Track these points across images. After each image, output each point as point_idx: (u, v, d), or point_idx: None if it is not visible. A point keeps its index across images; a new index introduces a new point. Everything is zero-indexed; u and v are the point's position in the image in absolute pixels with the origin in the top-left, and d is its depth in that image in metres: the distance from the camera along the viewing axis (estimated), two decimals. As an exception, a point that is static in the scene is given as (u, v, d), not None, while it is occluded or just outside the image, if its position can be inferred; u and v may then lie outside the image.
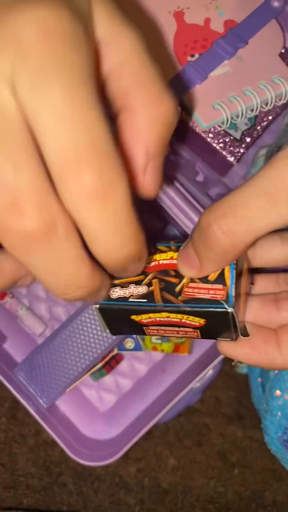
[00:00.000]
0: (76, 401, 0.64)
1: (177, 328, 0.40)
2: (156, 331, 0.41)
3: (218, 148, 0.58)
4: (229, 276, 0.36)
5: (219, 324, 0.38)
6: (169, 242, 0.39)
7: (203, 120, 0.57)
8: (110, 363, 0.63)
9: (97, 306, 0.38)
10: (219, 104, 0.57)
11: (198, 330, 0.39)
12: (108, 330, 0.41)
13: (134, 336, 0.63)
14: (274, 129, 0.65)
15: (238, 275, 0.36)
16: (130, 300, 0.38)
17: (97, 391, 0.65)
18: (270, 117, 0.59)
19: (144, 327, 0.40)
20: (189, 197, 0.60)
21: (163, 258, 0.38)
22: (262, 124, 0.59)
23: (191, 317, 0.38)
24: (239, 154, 0.58)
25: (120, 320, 0.40)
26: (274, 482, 0.70)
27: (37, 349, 0.63)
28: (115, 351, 0.63)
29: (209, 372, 0.62)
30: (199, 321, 0.38)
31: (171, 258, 0.37)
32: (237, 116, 0.57)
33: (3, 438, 0.69)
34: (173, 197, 0.60)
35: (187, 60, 0.58)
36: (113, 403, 0.65)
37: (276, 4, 0.59)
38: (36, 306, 0.67)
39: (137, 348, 0.63)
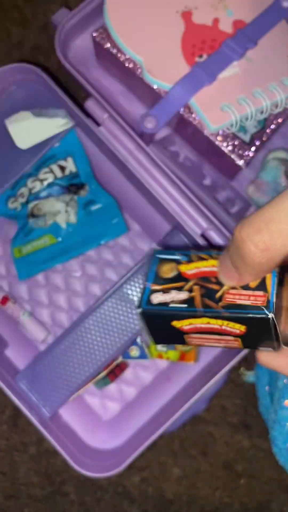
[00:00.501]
0: (79, 409, 0.64)
1: (218, 336, 0.40)
2: (197, 339, 0.41)
3: (226, 151, 0.58)
4: (270, 283, 0.37)
5: (260, 331, 0.39)
6: (210, 250, 0.41)
7: (211, 122, 0.56)
8: (115, 371, 0.63)
9: (139, 310, 0.39)
10: (228, 106, 0.56)
11: (240, 339, 0.39)
12: (151, 338, 0.42)
13: (139, 343, 0.62)
14: (284, 131, 0.65)
15: (280, 283, 0.37)
16: (171, 305, 0.39)
17: (101, 400, 0.64)
18: (280, 120, 0.58)
19: (184, 335, 0.41)
20: (197, 201, 0.59)
21: (205, 265, 0.39)
22: (271, 126, 0.58)
23: (231, 324, 0.39)
24: (248, 157, 0.58)
25: (161, 326, 0.41)
26: (280, 493, 0.69)
27: (40, 356, 0.62)
28: (120, 359, 0.63)
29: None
30: (239, 328, 0.39)
31: (212, 265, 0.38)
32: (246, 119, 0.57)
33: (4, 446, 0.68)
34: (180, 203, 0.60)
35: (195, 60, 0.58)
36: (117, 412, 0.64)
37: (286, 4, 0.59)
38: (39, 312, 0.67)
39: (143, 356, 0.63)
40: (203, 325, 0.40)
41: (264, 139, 0.58)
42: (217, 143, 0.58)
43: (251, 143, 0.58)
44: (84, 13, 0.62)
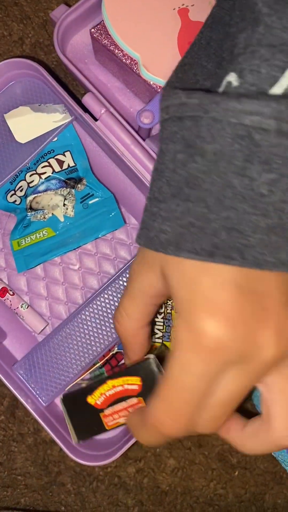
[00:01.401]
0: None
1: (125, 404, 0.50)
2: (111, 416, 0.50)
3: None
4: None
5: (150, 379, 0.48)
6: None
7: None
8: (110, 362, 0.64)
9: (61, 397, 0.51)
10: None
11: (142, 398, 0.48)
12: (74, 432, 0.52)
13: None
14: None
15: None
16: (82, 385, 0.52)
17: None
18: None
19: (100, 414, 0.50)
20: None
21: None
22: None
23: (129, 379, 0.49)
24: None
25: (80, 407, 0.51)
26: (274, 485, 0.70)
27: (37, 346, 0.63)
28: (116, 349, 0.64)
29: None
30: (136, 382, 0.49)
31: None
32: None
33: (2, 437, 0.69)
34: None
35: (191, 57, 0.59)
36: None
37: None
38: (37, 303, 0.68)
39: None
40: (110, 392, 0.50)
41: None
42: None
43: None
44: (82, 9, 0.64)
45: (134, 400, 0.50)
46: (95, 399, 0.51)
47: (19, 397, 0.59)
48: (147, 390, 0.48)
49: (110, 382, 0.50)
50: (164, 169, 0.35)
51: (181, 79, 0.40)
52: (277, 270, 0.33)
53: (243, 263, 0.32)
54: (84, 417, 0.53)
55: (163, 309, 0.63)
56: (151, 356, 0.49)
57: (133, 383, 0.50)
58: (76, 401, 0.53)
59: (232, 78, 0.33)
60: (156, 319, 0.63)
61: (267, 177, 0.31)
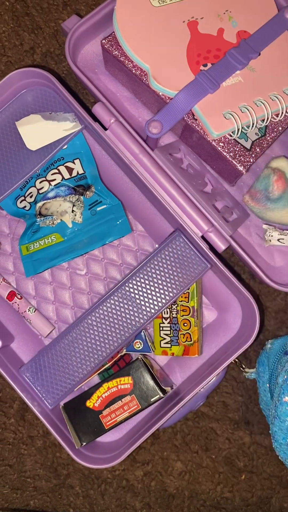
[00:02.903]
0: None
1: (120, 403, 0.61)
2: (109, 416, 0.61)
3: (228, 157, 0.61)
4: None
5: (140, 378, 0.61)
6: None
7: (214, 128, 0.60)
8: (118, 364, 0.66)
9: (62, 405, 0.62)
10: (230, 114, 0.60)
11: (134, 396, 0.61)
12: (77, 436, 0.62)
13: (143, 337, 0.66)
14: (284, 139, 0.68)
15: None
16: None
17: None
18: (280, 128, 0.62)
19: (100, 416, 0.61)
20: (198, 205, 0.63)
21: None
22: (272, 134, 0.62)
23: (122, 379, 0.61)
24: (249, 163, 0.62)
25: (80, 412, 0.62)
26: (281, 489, 0.72)
27: (44, 350, 0.65)
28: (124, 351, 0.66)
29: (213, 378, 0.64)
30: (128, 381, 0.61)
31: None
32: (248, 126, 0.60)
33: (11, 439, 0.72)
34: (183, 205, 0.63)
35: (200, 69, 0.61)
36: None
37: (288, 15, 0.62)
38: (44, 307, 0.70)
39: (146, 349, 0.66)
40: (106, 393, 0.61)
41: (264, 146, 0.62)
42: (219, 149, 0.61)
43: (252, 150, 0.62)
44: (94, 20, 0.66)
45: (128, 398, 0.61)
46: (93, 402, 0.62)
47: (25, 399, 0.61)
48: (137, 388, 0.61)
49: (105, 385, 0.62)
50: None
51: None
52: None
53: None
54: (85, 421, 0.62)
55: (168, 314, 0.66)
56: (139, 357, 0.62)
57: (125, 382, 0.61)
58: (76, 407, 0.62)
59: None
60: (163, 324, 0.66)
61: None
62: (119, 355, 0.66)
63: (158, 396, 0.61)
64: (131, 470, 0.72)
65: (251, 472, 0.72)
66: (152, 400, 0.61)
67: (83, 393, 0.63)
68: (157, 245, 0.70)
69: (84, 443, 0.62)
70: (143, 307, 0.64)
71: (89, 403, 0.62)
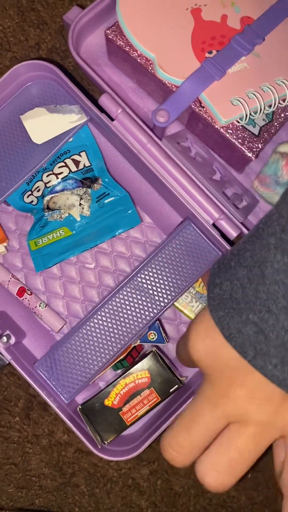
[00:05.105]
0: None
1: (140, 397, 0.62)
2: (130, 411, 0.62)
3: (237, 143, 0.61)
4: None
5: (157, 370, 0.62)
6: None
7: (222, 115, 0.60)
8: (132, 354, 0.66)
9: (79, 407, 0.62)
10: (238, 100, 0.60)
11: (153, 389, 0.61)
12: (98, 435, 0.62)
13: (157, 327, 0.66)
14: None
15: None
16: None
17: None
18: (287, 113, 0.62)
19: (120, 413, 0.62)
20: (208, 192, 0.63)
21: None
22: (279, 119, 0.62)
23: (139, 374, 0.62)
24: (258, 149, 0.61)
25: (99, 412, 0.62)
26: None
27: (57, 345, 0.65)
28: (138, 341, 0.66)
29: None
30: (145, 375, 0.62)
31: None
32: (255, 112, 0.61)
33: (17, 438, 0.71)
34: (193, 193, 0.63)
35: (205, 56, 0.61)
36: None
37: (293, 1, 0.62)
38: (54, 302, 0.70)
39: (160, 340, 0.66)
40: (124, 390, 0.62)
41: (272, 132, 0.62)
42: (227, 135, 0.62)
43: (259, 135, 0.62)
44: (95, 11, 0.66)
45: (146, 392, 0.62)
46: (111, 400, 0.62)
47: (42, 394, 0.61)
48: (155, 381, 0.62)
49: (122, 382, 0.62)
50: None
51: None
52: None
53: None
54: (105, 420, 0.62)
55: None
56: (153, 349, 0.62)
57: (142, 376, 0.62)
58: (94, 408, 0.63)
59: None
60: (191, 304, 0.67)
61: None
62: (132, 345, 0.66)
63: (176, 386, 0.62)
64: (137, 468, 0.71)
65: (257, 471, 0.72)
66: (171, 390, 0.62)
67: (99, 393, 0.63)
68: (165, 236, 0.69)
69: (106, 442, 0.62)
70: (156, 298, 0.64)
71: (108, 402, 0.62)
